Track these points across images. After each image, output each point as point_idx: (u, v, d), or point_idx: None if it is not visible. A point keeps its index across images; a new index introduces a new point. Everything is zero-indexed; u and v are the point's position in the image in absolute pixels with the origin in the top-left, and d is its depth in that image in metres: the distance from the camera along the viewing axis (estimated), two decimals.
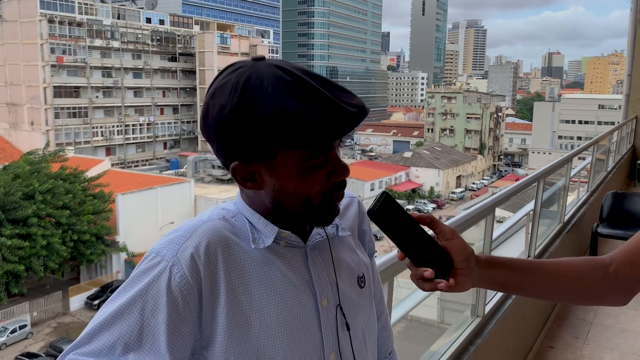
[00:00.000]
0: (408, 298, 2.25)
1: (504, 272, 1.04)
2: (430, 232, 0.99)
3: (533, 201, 3.88)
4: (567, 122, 77.52)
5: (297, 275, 0.98)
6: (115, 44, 54.58)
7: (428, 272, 0.94)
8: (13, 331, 22.28)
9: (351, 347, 1.03)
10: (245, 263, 0.95)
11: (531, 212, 3.87)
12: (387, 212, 0.93)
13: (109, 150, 52.48)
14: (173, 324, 0.89)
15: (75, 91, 51.38)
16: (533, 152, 71.80)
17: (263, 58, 0.93)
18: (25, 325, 22.87)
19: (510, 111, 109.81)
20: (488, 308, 2.95)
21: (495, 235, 3.15)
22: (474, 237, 2.98)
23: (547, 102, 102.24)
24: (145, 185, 30.17)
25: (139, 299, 0.89)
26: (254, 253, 0.96)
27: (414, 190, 54.56)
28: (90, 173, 28.09)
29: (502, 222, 3.65)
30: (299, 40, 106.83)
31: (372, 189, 49.12)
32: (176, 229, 0.96)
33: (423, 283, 0.96)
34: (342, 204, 1.13)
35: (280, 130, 0.86)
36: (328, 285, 1.01)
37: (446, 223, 2.35)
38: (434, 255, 0.96)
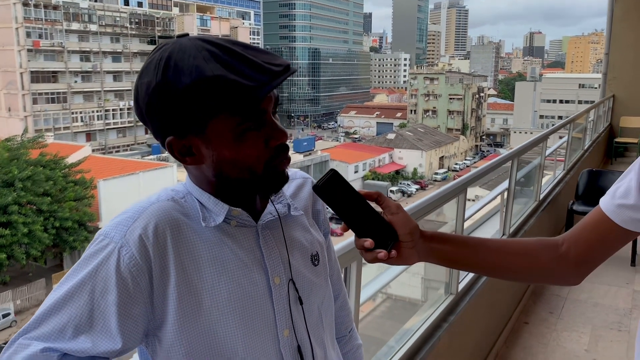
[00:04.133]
0: (381, 276, 2.27)
1: (451, 248, 1.07)
2: (379, 208, 1.02)
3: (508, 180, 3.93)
4: (549, 101, 78.16)
5: (249, 254, 0.99)
6: (93, 27, 53.56)
7: (368, 242, 0.97)
8: None
9: (305, 323, 1.04)
10: (196, 243, 0.95)
11: (506, 191, 3.92)
12: (333, 187, 0.96)
13: (89, 136, 51.79)
14: (123, 305, 0.89)
15: (53, 76, 50.48)
16: (515, 132, 72.43)
17: (187, 34, 0.93)
18: (8, 314, 22.73)
19: (492, 91, 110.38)
20: (462, 286, 3.00)
21: (469, 214, 3.19)
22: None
23: (529, 81, 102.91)
24: (127, 170, 29.87)
25: (88, 281, 0.89)
26: (205, 233, 0.96)
27: (397, 172, 54.84)
28: (71, 159, 27.72)
29: (475, 201, 3.68)
30: (280, 21, 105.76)
31: (355, 171, 49.27)
32: (125, 211, 0.95)
33: (365, 253, 0.98)
34: (296, 184, 1.14)
35: (204, 96, 0.86)
36: (280, 264, 1.02)
37: (417, 202, 2.37)
38: (377, 228, 0.99)
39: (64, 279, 0.91)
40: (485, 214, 4.96)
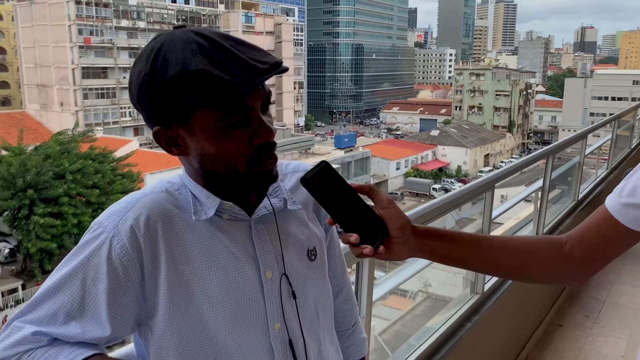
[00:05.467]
0: (398, 274, 2.25)
1: (445, 245, 1.04)
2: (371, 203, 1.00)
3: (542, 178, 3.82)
4: (600, 98, 75.36)
5: (241, 248, 1.00)
6: (142, 24, 54.85)
7: (353, 237, 0.94)
8: None
9: (297, 318, 1.04)
10: (187, 235, 0.97)
11: (540, 190, 3.81)
12: (322, 180, 0.94)
13: (137, 131, 53.06)
14: (113, 294, 0.92)
15: (103, 72, 51.96)
16: (563, 130, 70.19)
17: (184, 26, 0.94)
18: None
19: (540, 88, 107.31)
20: (488, 286, 2.94)
21: (497, 212, 3.12)
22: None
23: (579, 78, 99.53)
24: (172, 165, 30.45)
25: (80, 269, 0.92)
26: (197, 226, 0.98)
27: (440, 169, 54.05)
28: (119, 153, 28.48)
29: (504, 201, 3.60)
30: (324, 17, 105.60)
31: (397, 168, 48.87)
32: (119, 202, 0.98)
33: (352, 247, 0.96)
34: (297, 177, 1.12)
35: (186, 89, 0.87)
36: (273, 258, 1.02)
37: (441, 198, 2.34)
38: (366, 222, 0.96)
39: (59, 265, 0.94)
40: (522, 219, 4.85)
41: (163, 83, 0.88)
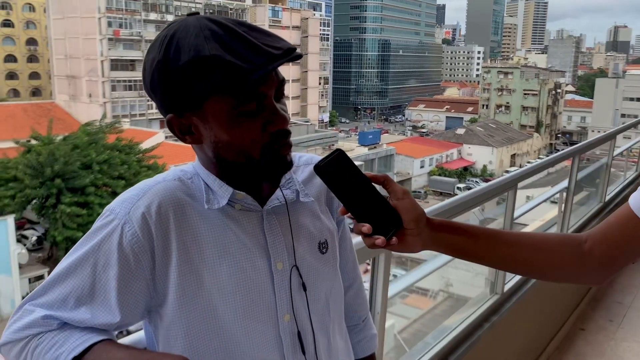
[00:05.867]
0: (415, 271, 2.23)
1: (460, 238, 1.01)
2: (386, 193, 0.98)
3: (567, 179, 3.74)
4: (632, 99, 73.60)
5: (252, 238, 0.99)
6: (170, 17, 55.30)
7: (365, 227, 0.92)
8: None
9: (307, 310, 1.03)
10: (199, 224, 0.96)
11: (565, 191, 3.74)
12: (336, 169, 0.92)
13: (163, 123, 53.16)
14: (124, 280, 0.92)
15: (131, 64, 52.59)
16: (593, 131, 68.75)
17: (197, 13, 0.93)
18: None
19: (570, 88, 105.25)
20: (508, 286, 2.89)
21: (519, 212, 3.07)
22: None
23: (611, 78, 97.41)
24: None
25: (91, 255, 0.92)
26: (209, 215, 0.97)
27: (465, 168, 53.48)
28: (145, 145, 28.84)
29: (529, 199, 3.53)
30: (351, 12, 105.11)
31: (421, 167, 48.52)
32: (132, 188, 0.98)
33: (364, 238, 0.94)
34: (310, 170, 1.11)
35: (199, 75, 0.86)
36: (284, 249, 1.01)
37: (461, 195, 2.31)
38: (380, 213, 0.94)
39: (71, 250, 0.95)
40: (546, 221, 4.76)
41: (176, 70, 0.87)
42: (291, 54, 0.90)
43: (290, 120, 0.98)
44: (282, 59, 0.89)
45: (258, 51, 0.87)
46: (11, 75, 64.65)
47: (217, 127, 0.92)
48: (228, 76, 0.86)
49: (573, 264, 1.03)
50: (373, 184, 0.96)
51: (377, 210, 0.94)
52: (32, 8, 65.21)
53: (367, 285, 1.80)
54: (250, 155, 0.94)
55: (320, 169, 0.91)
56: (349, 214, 0.94)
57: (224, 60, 0.85)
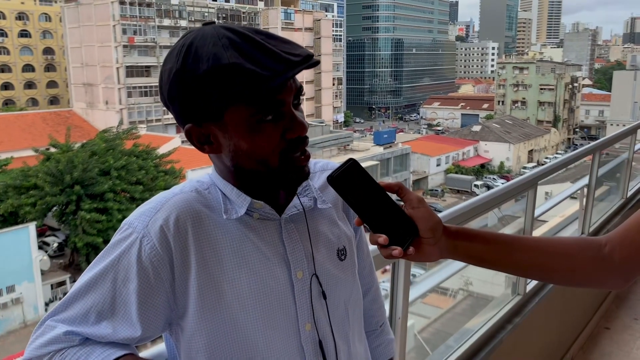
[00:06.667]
0: (437, 272, 2.21)
1: (477, 245, 1.00)
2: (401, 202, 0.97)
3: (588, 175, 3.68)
4: None
5: (271, 248, 0.98)
6: (183, 23, 55.76)
7: (381, 238, 0.91)
8: None
9: (328, 318, 1.02)
10: (217, 235, 0.96)
11: (586, 187, 3.68)
12: (349, 179, 0.91)
13: (179, 128, 53.82)
14: (144, 294, 0.91)
15: (146, 70, 53.09)
16: (611, 125, 67.81)
17: (213, 22, 0.93)
18: None
19: (587, 81, 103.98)
20: (530, 287, 2.85)
21: (540, 210, 3.03)
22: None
23: (629, 70, 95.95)
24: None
25: (111, 269, 0.92)
26: (227, 225, 0.97)
27: (482, 166, 53.06)
28: (162, 150, 29.05)
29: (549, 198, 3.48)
30: (363, 12, 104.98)
31: (438, 165, 48.24)
32: (149, 201, 0.98)
33: (381, 249, 0.93)
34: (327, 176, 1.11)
35: (219, 83, 0.85)
36: (303, 258, 1.00)
37: (482, 196, 2.28)
38: (396, 222, 0.93)
39: (90, 265, 0.95)
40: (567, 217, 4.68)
41: (195, 78, 0.87)
42: (310, 61, 0.90)
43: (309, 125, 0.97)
44: (301, 66, 0.88)
45: (277, 58, 0.86)
46: (29, 85, 65.66)
47: (236, 136, 0.91)
48: (248, 84, 0.85)
49: (592, 268, 1.00)
50: (387, 192, 0.94)
51: (393, 220, 0.93)
52: (48, 18, 66.19)
53: (386, 286, 1.78)
54: (269, 163, 0.93)
55: (333, 179, 0.90)
56: (364, 224, 0.93)
57: (244, 68, 0.85)
